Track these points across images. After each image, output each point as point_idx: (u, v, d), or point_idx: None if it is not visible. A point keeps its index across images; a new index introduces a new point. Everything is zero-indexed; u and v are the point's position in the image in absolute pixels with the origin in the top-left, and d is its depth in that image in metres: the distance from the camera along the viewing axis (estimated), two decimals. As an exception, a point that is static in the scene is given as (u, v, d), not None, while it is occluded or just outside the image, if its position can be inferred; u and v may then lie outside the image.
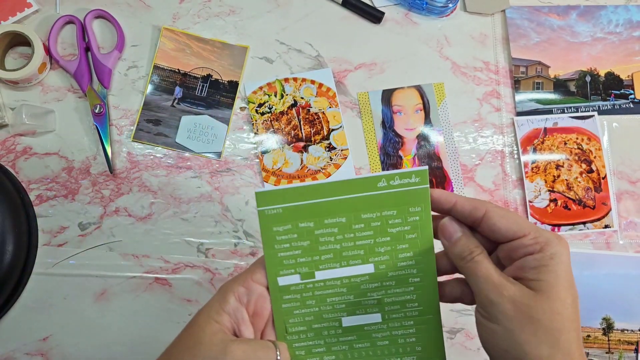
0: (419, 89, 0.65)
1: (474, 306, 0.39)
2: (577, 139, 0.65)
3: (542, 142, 0.65)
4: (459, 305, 0.62)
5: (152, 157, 0.62)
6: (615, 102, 0.66)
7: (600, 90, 0.67)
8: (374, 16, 0.66)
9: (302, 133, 0.63)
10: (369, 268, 0.38)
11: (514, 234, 0.35)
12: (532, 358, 0.33)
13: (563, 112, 0.66)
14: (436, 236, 0.38)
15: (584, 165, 0.64)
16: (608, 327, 0.61)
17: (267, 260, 0.37)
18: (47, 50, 0.62)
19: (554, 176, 0.64)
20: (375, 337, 0.39)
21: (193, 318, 0.37)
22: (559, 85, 0.67)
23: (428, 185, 0.36)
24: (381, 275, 0.38)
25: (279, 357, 0.36)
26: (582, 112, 0.66)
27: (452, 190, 0.63)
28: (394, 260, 0.38)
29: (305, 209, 0.37)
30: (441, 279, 0.39)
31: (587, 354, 0.61)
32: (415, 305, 0.38)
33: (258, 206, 0.37)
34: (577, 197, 0.64)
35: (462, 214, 0.37)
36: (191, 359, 0.35)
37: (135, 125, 0.62)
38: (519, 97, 0.66)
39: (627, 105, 0.66)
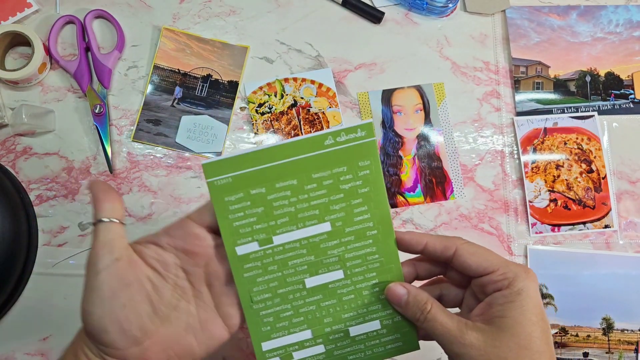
0: (418, 89, 0.65)
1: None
2: (577, 139, 0.65)
3: (542, 142, 0.65)
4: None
5: (152, 157, 0.62)
6: (615, 102, 0.66)
7: (600, 90, 0.67)
8: (374, 16, 0.66)
9: (302, 133, 0.63)
10: (325, 227, 0.38)
11: (484, 270, 0.37)
12: None
13: (563, 112, 0.66)
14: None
15: (584, 165, 0.64)
16: (608, 327, 0.61)
17: (223, 232, 0.37)
18: (47, 50, 0.62)
19: (554, 176, 0.64)
20: (340, 293, 0.39)
21: None
22: (559, 85, 0.67)
23: (375, 138, 0.37)
24: (339, 232, 0.38)
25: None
26: (582, 112, 0.66)
27: (452, 191, 0.63)
28: (349, 216, 0.38)
29: (255, 175, 0.36)
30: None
31: (587, 353, 0.61)
32: (376, 257, 0.39)
33: (207, 178, 0.36)
34: (577, 197, 0.64)
35: (433, 253, 0.39)
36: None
37: (135, 125, 0.62)
38: (519, 97, 0.66)
39: (627, 105, 0.66)
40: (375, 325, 0.40)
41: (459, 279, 0.40)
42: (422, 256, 0.41)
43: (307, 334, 0.39)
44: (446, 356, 0.37)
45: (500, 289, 0.36)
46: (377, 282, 0.39)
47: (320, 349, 0.40)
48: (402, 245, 0.39)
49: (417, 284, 0.41)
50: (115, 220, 0.36)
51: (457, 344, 0.35)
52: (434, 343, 0.38)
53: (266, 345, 0.39)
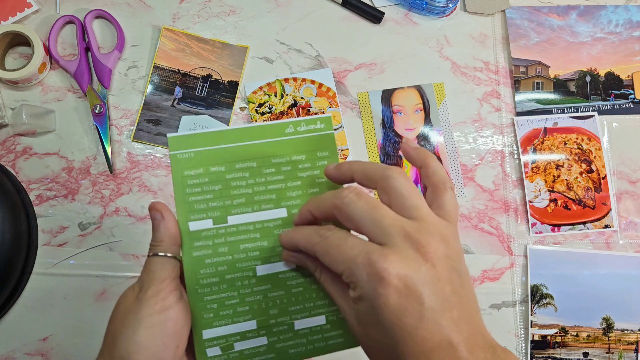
0: (418, 89, 0.65)
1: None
2: (577, 139, 0.65)
3: (542, 142, 0.65)
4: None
5: (152, 157, 0.62)
6: (615, 102, 0.66)
7: (600, 90, 0.67)
8: (374, 16, 0.66)
9: (302, 133, 0.63)
10: (281, 212, 0.38)
11: (336, 271, 0.33)
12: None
13: (563, 112, 0.66)
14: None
15: (583, 165, 0.64)
16: (608, 327, 0.61)
17: (178, 206, 0.37)
18: (47, 50, 0.62)
19: (554, 176, 0.64)
20: (289, 284, 0.38)
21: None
22: (559, 85, 0.67)
23: (333, 131, 0.38)
24: (294, 219, 0.38)
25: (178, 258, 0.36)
26: (582, 112, 0.66)
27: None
28: None
29: (216, 153, 0.37)
30: None
31: (587, 353, 0.61)
32: None
33: (170, 150, 0.37)
34: (577, 197, 0.64)
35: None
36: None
37: (135, 125, 0.62)
38: (519, 97, 0.66)
39: (627, 106, 0.66)
40: (320, 320, 0.38)
41: None
42: None
43: (251, 325, 0.38)
44: None
45: (348, 288, 0.32)
46: None
47: (262, 340, 0.38)
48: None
49: None
50: (170, 255, 0.36)
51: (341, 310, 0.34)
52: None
53: (207, 334, 0.37)
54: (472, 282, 0.33)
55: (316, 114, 0.64)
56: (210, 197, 0.37)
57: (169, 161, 0.63)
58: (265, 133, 0.38)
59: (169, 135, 0.37)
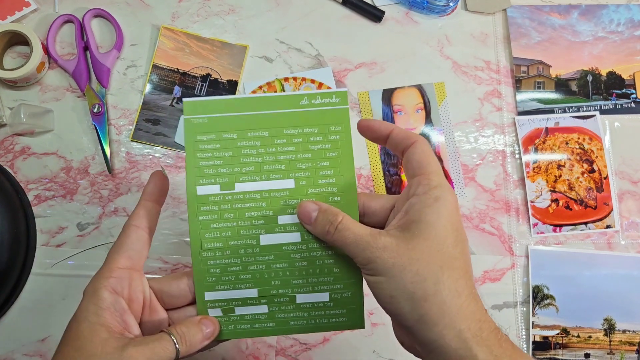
0: (419, 88, 0.65)
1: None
2: (578, 138, 0.65)
3: (544, 142, 0.64)
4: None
5: (150, 157, 0.62)
6: (617, 101, 0.66)
7: (601, 89, 0.66)
8: (375, 15, 0.65)
9: (302, 133, 0.63)
10: (289, 183, 0.38)
11: (419, 169, 0.36)
12: (418, 297, 0.32)
13: (564, 111, 0.66)
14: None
15: (585, 165, 0.64)
16: (609, 328, 0.61)
17: (188, 169, 0.38)
18: (46, 49, 0.61)
19: (555, 176, 0.64)
20: (293, 257, 0.38)
21: (71, 329, 0.35)
22: (561, 84, 0.66)
23: (348, 106, 0.38)
24: (301, 191, 0.38)
25: (177, 346, 0.35)
26: (583, 111, 0.66)
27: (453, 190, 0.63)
28: (314, 177, 0.38)
29: (230, 120, 0.38)
30: None
31: (589, 354, 0.61)
32: None
33: (185, 114, 0.38)
34: (579, 197, 0.63)
35: (395, 143, 0.38)
36: None
37: (134, 124, 0.62)
38: (520, 96, 0.66)
39: (629, 105, 0.66)
40: (323, 297, 0.39)
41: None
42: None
43: (252, 292, 0.39)
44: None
45: (420, 193, 0.35)
46: (332, 253, 0.38)
47: (263, 308, 0.39)
48: (372, 132, 0.38)
49: None
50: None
51: (370, 248, 0.34)
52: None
53: (209, 295, 0.38)
54: None
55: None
56: (220, 162, 0.38)
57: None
58: (280, 103, 0.38)
59: (185, 99, 0.38)
